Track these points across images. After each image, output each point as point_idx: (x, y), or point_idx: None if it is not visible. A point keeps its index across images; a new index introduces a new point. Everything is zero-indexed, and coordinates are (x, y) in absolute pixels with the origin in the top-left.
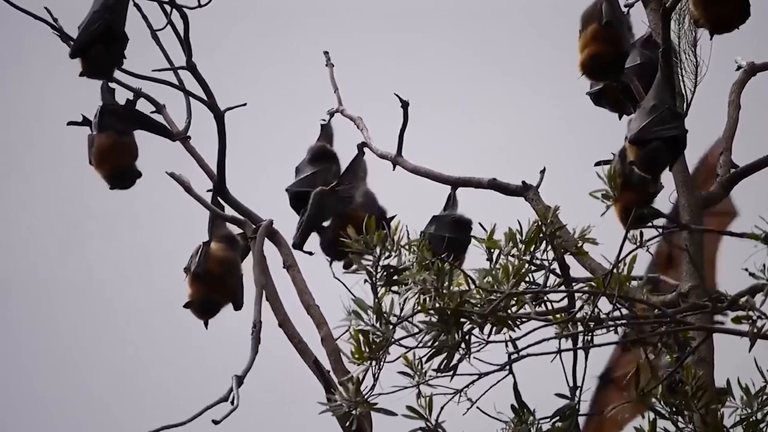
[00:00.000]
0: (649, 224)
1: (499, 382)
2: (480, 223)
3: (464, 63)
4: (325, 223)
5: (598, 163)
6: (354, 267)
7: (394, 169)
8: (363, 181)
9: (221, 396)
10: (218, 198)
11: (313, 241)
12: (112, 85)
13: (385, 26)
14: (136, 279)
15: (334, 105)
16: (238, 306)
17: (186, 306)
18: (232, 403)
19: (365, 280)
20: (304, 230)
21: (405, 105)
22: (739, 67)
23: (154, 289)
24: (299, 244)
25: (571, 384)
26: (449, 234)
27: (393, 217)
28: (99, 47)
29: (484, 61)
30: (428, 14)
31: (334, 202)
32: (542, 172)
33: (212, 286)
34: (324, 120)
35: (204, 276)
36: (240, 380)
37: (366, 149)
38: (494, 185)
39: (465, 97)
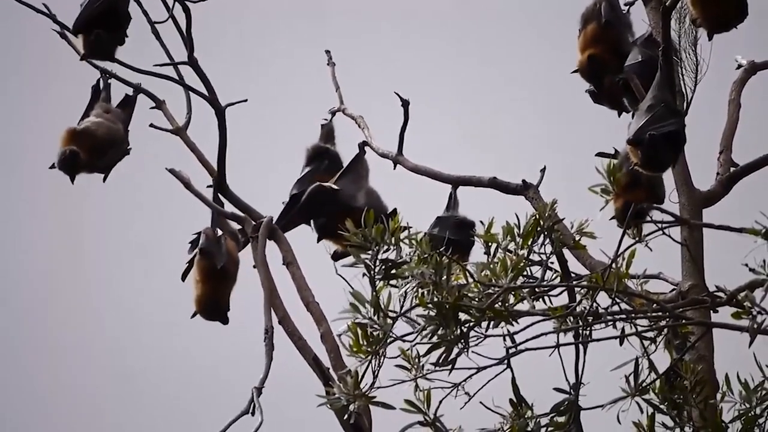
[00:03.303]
0: (648, 219)
1: (497, 376)
2: (481, 222)
3: (465, 62)
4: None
5: (598, 154)
6: (352, 261)
7: (394, 168)
8: (365, 180)
9: (242, 410)
10: (218, 194)
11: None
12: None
13: (386, 25)
14: (135, 276)
15: (335, 101)
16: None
17: (205, 308)
18: (253, 414)
19: (364, 274)
20: (293, 218)
21: (406, 104)
22: (739, 66)
23: (154, 287)
24: (282, 228)
25: (570, 379)
26: (452, 236)
27: (395, 209)
28: (100, 30)
29: (484, 60)
30: (429, 13)
31: (329, 200)
32: (542, 170)
33: (223, 286)
34: (325, 119)
35: (224, 273)
36: (259, 391)
37: (367, 148)
38: (494, 184)
39: (465, 95)
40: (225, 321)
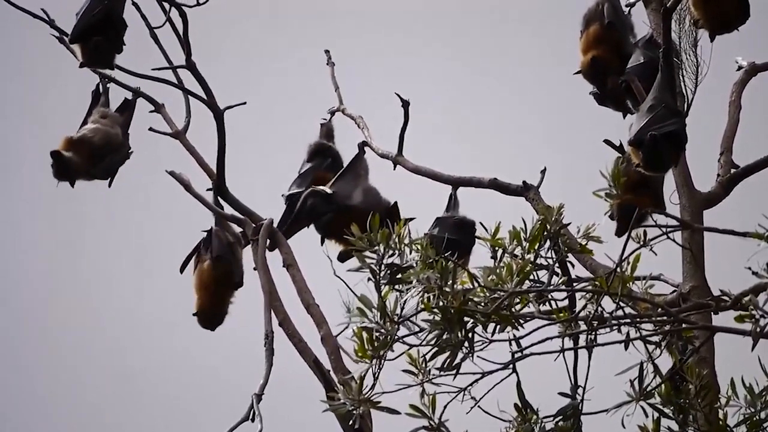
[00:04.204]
0: (652, 224)
1: (502, 380)
2: (481, 223)
3: (465, 62)
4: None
5: (605, 141)
6: (358, 267)
7: (394, 169)
8: (364, 179)
9: (242, 416)
10: (218, 197)
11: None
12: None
13: (386, 25)
14: (136, 277)
15: (334, 103)
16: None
17: (207, 315)
18: (252, 421)
19: (369, 278)
20: (291, 226)
21: (406, 104)
22: (739, 68)
23: (154, 289)
24: (285, 234)
25: (574, 383)
26: (453, 236)
27: (396, 203)
28: (98, 37)
29: (484, 61)
30: (430, 13)
31: (325, 202)
32: (543, 171)
33: (230, 295)
34: (324, 119)
35: (238, 286)
36: (259, 398)
37: (367, 148)
38: (495, 185)
39: (466, 96)
40: (213, 329)
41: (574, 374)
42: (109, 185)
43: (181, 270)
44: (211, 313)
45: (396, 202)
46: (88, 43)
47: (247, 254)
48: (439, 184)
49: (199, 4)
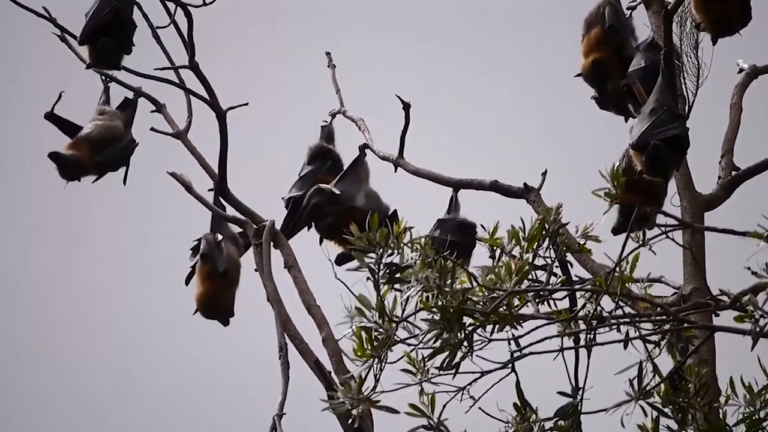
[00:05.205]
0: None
1: (501, 380)
2: (482, 225)
3: (466, 64)
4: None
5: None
6: (356, 265)
7: (395, 171)
8: (365, 182)
9: None
10: (219, 197)
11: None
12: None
13: (387, 28)
14: (137, 278)
15: (335, 104)
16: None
17: (205, 307)
18: None
19: (368, 278)
20: (296, 225)
21: (406, 107)
22: (740, 70)
23: (156, 290)
24: (288, 235)
25: (574, 382)
26: (454, 238)
27: (395, 211)
28: (106, 39)
29: (485, 63)
30: (431, 16)
31: (329, 201)
32: (544, 174)
33: (224, 289)
34: (325, 121)
35: (225, 276)
36: (280, 417)
37: (367, 151)
38: (496, 187)
39: (467, 98)
40: (225, 322)
41: (575, 373)
42: (124, 182)
43: (186, 283)
44: (208, 305)
45: (396, 210)
46: (96, 44)
47: (248, 255)
48: (440, 186)
49: (205, 4)
